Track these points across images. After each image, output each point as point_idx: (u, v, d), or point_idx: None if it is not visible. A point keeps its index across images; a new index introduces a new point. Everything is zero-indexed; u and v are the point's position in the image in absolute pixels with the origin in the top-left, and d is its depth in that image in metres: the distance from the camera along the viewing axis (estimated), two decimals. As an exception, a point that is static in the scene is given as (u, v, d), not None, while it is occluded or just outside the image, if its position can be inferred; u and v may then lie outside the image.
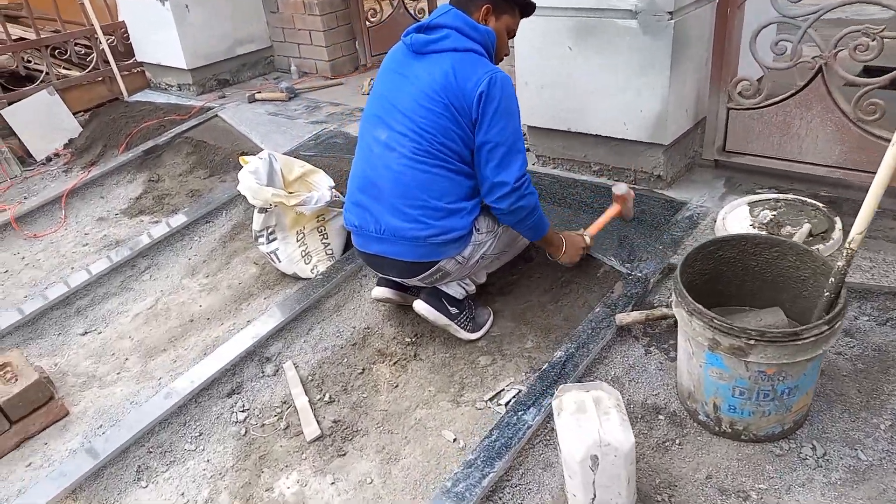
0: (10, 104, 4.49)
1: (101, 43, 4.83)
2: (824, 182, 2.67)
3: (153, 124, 4.42)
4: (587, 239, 2.37)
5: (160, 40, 4.70)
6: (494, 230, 2.23)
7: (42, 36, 4.64)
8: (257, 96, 4.57)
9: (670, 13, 2.44)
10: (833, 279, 1.60)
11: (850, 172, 2.55)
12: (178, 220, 3.38)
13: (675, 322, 1.80)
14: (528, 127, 3.09)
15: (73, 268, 3.27)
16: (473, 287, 2.35)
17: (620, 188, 2.47)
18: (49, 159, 4.54)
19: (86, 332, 2.80)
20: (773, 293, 1.91)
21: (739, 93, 2.69)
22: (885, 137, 2.44)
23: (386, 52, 2.26)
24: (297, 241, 2.76)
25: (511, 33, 2.22)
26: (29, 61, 4.66)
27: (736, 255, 1.89)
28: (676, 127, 2.69)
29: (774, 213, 2.14)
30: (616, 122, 2.75)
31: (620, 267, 2.39)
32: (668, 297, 2.25)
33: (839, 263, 1.59)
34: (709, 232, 2.47)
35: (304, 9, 4.68)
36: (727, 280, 1.93)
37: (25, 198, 4.02)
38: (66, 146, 4.62)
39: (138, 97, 4.99)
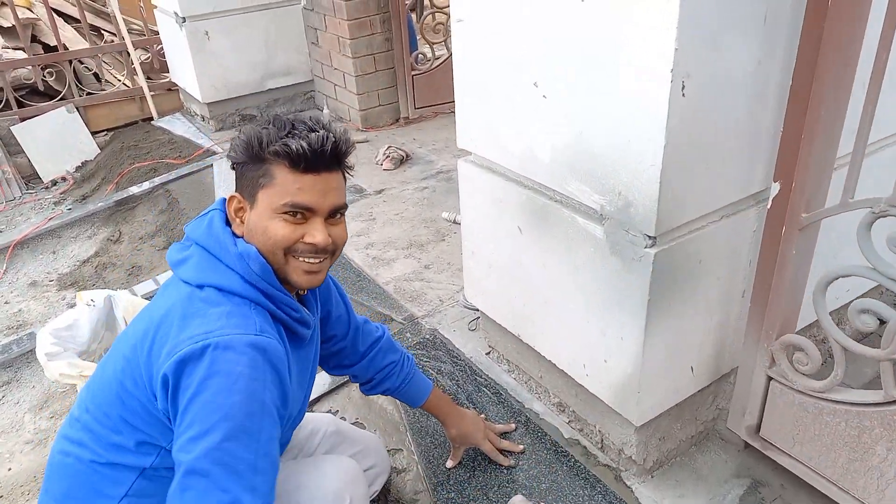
0: (23, 120, 4.21)
1: (132, 61, 4.42)
2: (916, 565, 1.46)
3: (147, 165, 3.92)
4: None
5: (183, 65, 4.18)
6: None
7: (68, 49, 4.32)
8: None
9: (651, 238, 1.37)
10: None
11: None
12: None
13: None
14: (480, 311, 2.12)
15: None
16: None
17: None
18: (54, 183, 4.22)
19: None
20: None
21: (792, 363, 1.54)
22: None
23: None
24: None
25: (284, 207, 1.15)
26: (50, 73, 4.32)
27: None
28: (657, 401, 1.60)
29: None
30: (574, 358, 1.71)
31: None
32: None
33: None
34: None
35: (338, 47, 3.91)
36: None
37: (0, 230, 3.70)
38: (78, 168, 4.28)
39: (165, 122, 4.55)
